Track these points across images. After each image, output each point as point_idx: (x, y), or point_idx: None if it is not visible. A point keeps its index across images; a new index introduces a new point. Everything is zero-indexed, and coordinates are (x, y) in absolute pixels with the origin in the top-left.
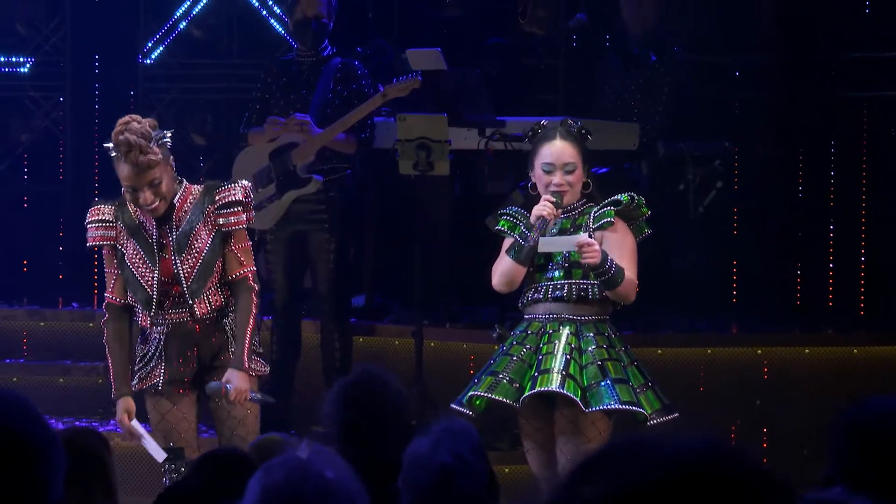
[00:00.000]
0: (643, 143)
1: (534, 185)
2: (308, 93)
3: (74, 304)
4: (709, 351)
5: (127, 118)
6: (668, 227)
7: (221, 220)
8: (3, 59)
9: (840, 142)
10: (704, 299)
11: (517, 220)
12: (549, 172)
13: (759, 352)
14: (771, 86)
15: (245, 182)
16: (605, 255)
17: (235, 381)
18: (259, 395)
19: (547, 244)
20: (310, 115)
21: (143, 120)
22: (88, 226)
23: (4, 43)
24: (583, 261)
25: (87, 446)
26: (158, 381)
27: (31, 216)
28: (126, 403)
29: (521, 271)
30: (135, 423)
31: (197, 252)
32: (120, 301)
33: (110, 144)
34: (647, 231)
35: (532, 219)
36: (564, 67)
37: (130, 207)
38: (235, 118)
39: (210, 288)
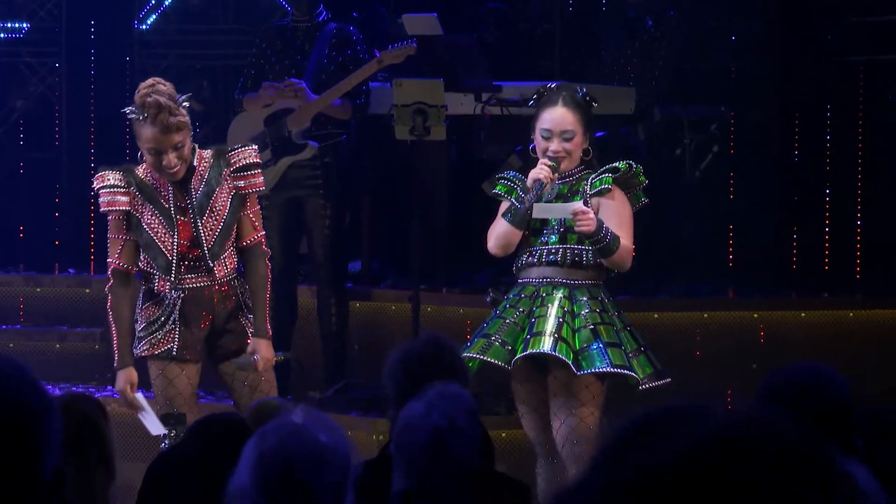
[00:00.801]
0: (640, 108)
1: (534, 149)
2: (303, 58)
3: (71, 270)
4: (705, 315)
5: (151, 81)
6: (664, 192)
7: (240, 183)
8: None
9: (836, 106)
10: (701, 264)
11: (514, 184)
12: (546, 138)
13: (756, 316)
14: (767, 50)
15: (254, 146)
16: (599, 223)
17: (262, 350)
18: (280, 355)
19: (542, 210)
20: (305, 81)
21: (167, 83)
22: (100, 191)
23: (0, 9)
24: (577, 229)
25: (84, 412)
26: (173, 347)
27: (27, 182)
28: (129, 374)
29: (517, 235)
30: (138, 395)
31: (218, 214)
32: (126, 267)
33: (129, 109)
34: (644, 200)
35: (528, 182)
36: (561, 32)
37: (140, 172)
38: (231, 84)
39: (227, 251)
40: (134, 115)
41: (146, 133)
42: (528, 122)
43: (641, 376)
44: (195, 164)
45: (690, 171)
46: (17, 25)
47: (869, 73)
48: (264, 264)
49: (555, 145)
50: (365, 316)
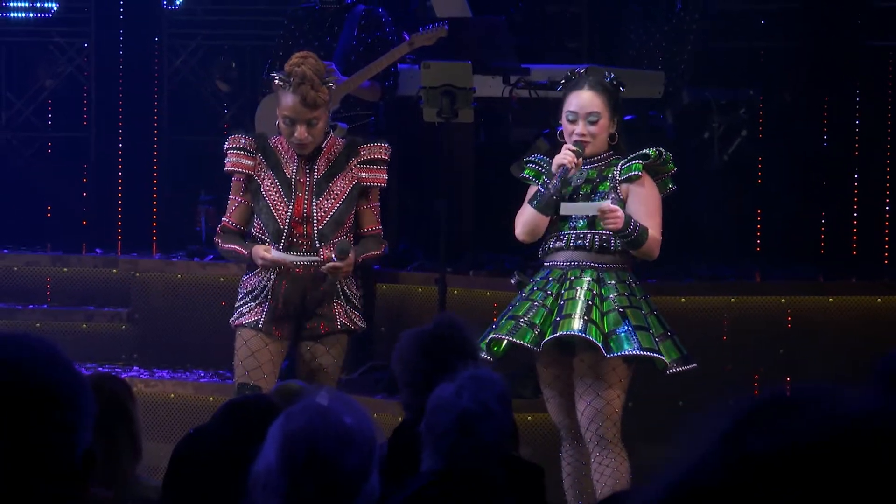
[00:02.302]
0: (668, 92)
1: (561, 133)
2: (332, 40)
3: (98, 251)
4: (732, 300)
5: (305, 53)
6: (692, 176)
7: (364, 175)
8: (28, 4)
9: (865, 90)
10: (728, 248)
11: (542, 167)
12: (572, 121)
13: (783, 300)
14: (797, 34)
15: (386, 143)
16: (627, 219)
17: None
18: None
19: (569, 209)
20: (334, 63)
21: (320, 60)
22: (228, 151)
23: None
24: (605, 226)
25: (112, 393)
26: (260, 319)
27: (55, 162)
28: (256, 250)
29: (544, 221)
30: (275, 253)
31: (334, 198)
32: (235, 226)
33: (276, 75)
34: (672, 187)
35: (553, 167)
36: (588, 15)
37: (271, 142)
38: (259, 65)
39: (338, 237)
40: (279, 82)
41: (286, 100)
42: (556, 105)
43: (668, 360)
44: (325, 146)
45: (719, 154)
46: (46, 6)
47: None
48: (379, 246)
49: (580, 128)
50: (391, 298)
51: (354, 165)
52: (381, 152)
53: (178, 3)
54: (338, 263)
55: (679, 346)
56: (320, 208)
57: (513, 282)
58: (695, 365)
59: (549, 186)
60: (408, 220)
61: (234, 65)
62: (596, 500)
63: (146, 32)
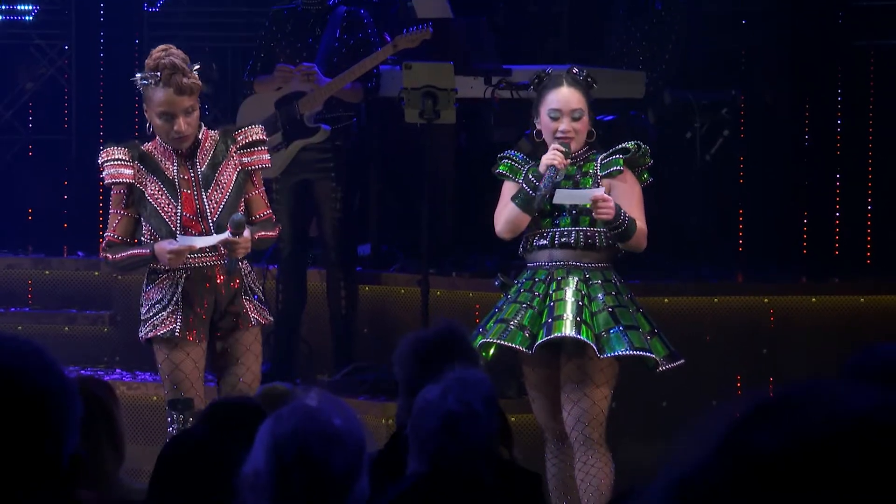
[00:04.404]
0: (649, 92)
1: (538, 133)
2: (314, 41)
3: (80, 253)
4: (715, 300)
5: (164, 46)
6: (674, 176)
7: (246, 159)
8: (7, 6)
9: (847, 90)
10: (711, 248)
11: (519, 165)
12: (555, 119)
13: (766, 301)
14: (778, 34)
15: (260, 125)
16: (618, 210)
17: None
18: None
19: (562, 196)
20: (316, 64)
21: (179, 49)
22: (105, 165)
23: None
24: (596, 215)
25: (94, 395)
26: (176, 328)
27: (36, 164)
28: (159, 245)
29: (527, 219)
30: (181, 238)
31: (223, 187)
32: (120, 240)
33: (140, 75)
34: (649, 179)
35: (542, 168)
36: (570, 15)
37: (145, 148)
38: (240, 67)
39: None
40: (146, 81)
41: (158, 96)
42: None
43: (659, 358)
44: (201, 138)
45: (701, 154)
46: (26, 7)
47: (880, 57)
48: (274, 227)
49: (564, 125)
50: (374, 299)
51: (234, 152)
52: (257, 134)
53: (158, 4)
54: (234, 238)
55: (667, 344)
56: (211, 200)
57: (496, 284)
58: (682, 361)
59: (539, 187)
60: (390, 221)
61: (214, 66)
62: (580, 501)
63: (126, 34)
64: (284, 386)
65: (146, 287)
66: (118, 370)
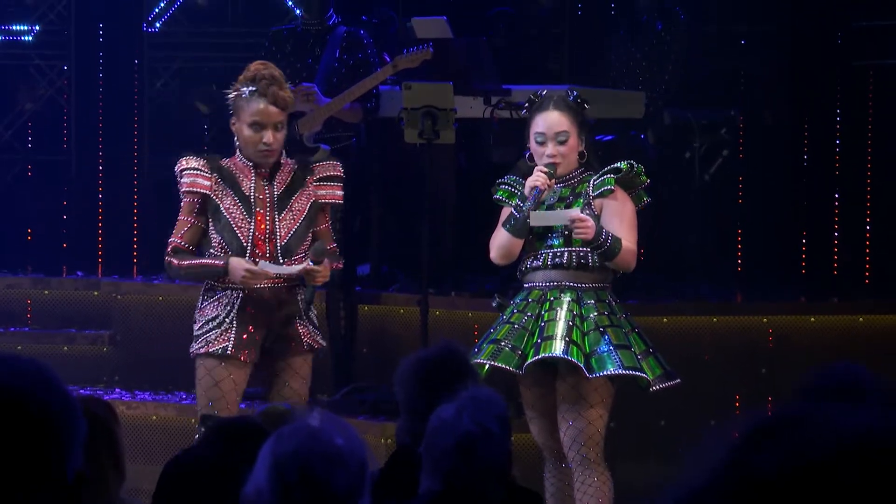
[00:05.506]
0: (649, 112)
1: (531, 156)
2: (314, 62)
3: (79, 273)
4: (714, 320)
5: (262, 61)
6: (673, 196)
7: (321, 192)
8: (7, 27)
9: (846, 110)
10: (710, 268)
11: (515, 189)
12: (541, 143)
13: (765, 320)
14: (777, 54)
15: (338, 162)
16: (599, 229)
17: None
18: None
19: (540, 218)
20: (316, 84)
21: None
22: (183, 173)
23: (9, 11)
24: (575, 235)
25: (97, 415)
26: (228, 346)
27: (36, 184)
28: (236, 260)
29: (518, 243)
30: (262, 263)
31: (296, 214)
32: (187, 247)
33: (236, 86)
34: (647, 199)
35: (526, 190)
36: (570, 36)
37: (224, 163)
38: None
39: (299, 255)
40: (240, 92)
41: (252, 106)
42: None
43: (651, 377)
44: (282, 162)
45: (700, 174)
46: (26, 28)
47: (879, 77)
48: (339, 260)
49: (550, 149)
50: (373, 319)
51: (311, 183)
52: (335, 170)
53: (157, 25)
54: (315, 266)
55: (662, 363)
56: (283, 224)
57: (494, 305)
58: (679, 381)
59: (524, 209)
60: (389, 241)
61: (214, 86)
62: None
63: (126, 55)
64: (285, 406)
65: (201, 304)
66: (118, 390)
